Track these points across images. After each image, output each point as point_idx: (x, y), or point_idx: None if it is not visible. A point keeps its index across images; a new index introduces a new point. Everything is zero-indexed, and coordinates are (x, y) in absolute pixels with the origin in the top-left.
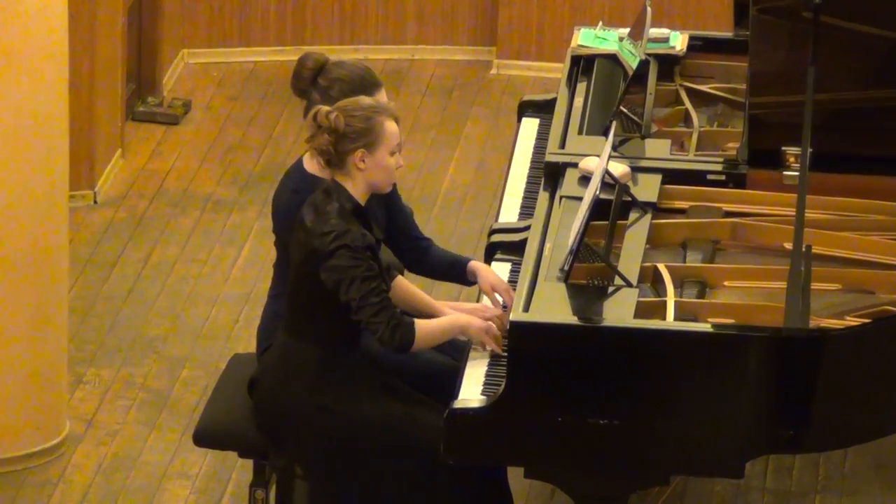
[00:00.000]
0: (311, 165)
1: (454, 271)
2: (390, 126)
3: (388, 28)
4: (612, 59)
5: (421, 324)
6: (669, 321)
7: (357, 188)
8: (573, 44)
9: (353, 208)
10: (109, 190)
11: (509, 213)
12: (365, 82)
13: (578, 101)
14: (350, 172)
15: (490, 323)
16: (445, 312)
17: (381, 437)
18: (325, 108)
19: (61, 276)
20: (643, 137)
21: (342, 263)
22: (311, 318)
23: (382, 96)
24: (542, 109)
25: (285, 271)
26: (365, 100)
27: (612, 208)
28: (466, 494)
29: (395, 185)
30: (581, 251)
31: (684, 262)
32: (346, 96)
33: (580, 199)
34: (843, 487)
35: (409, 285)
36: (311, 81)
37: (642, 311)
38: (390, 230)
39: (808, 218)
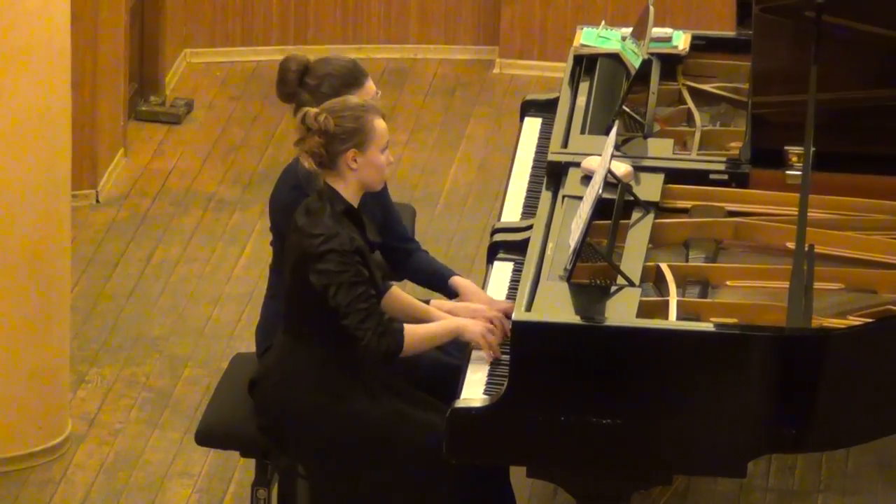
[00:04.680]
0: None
1: (434, 281)
2: (379, 124)
3: (391, 27)
4: (615, 58)
5: (410, 330)
6: (672, 321)
7: (349, 189)
8: (576, 43)
9: (344, 210)
10: (112, 189)
11: (512, 212)
12: (354, 74)
13: (581, 100)
14: (342, 173)
15: (488, 325)
16: (443, 319)
17: (383, 437)
18: (313, 110)
19: (63, 276)
20: (646, 137)
21: (330, 268)
22: (308, 319)
23: (370, 86)
24: (545, 109)
25: (282, 272)
26: (351, 99)
27: (614, 208)
28: (469, 494)
29: (385, 183)
30: (583, 250)
31: (687, 261)
32: (338, 91)
33: (582, 198)
34: (846, 487)
35: (403, 295)
36: (299, 83)
37: (645, 310)
38: (380, 230)
39: (810, 217)
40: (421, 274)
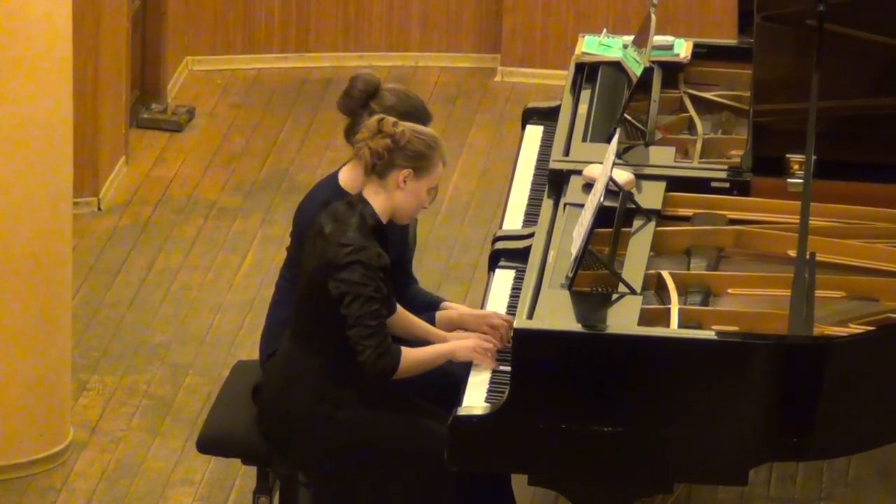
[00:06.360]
0: (346, 180)
1: (429, 311)
2: (440, 166)
3: (392, 35)
4: (617, 66)
5: (407, 354)
6: (673, 329)
7: (384, 206)
8: (577, 51)
9: (373, 225)
10: (113, 197)
11: (513, 220)
12: (417, 115)
13: (582, 108)
14: (387, 187)
15: (477, 342)
16: (444, 338)
17: (385, 445)
18: (393, 119)
19: (65, 283)
20: (647, 145)
21: (352, 278)
22: (318, 327)
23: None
24: (547, 117)
25: (293, 279)
26: (431, 131)
27: (616, 215)
28: (470, 502)
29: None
30: (585, 258)
31: (688, 269)
32: None
33: (584, 206)
34: (847, 495)
35: (406, 314)
36: (363, 104)
37: (646, 318)
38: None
39: (811, 225)
40: (412, 308)
